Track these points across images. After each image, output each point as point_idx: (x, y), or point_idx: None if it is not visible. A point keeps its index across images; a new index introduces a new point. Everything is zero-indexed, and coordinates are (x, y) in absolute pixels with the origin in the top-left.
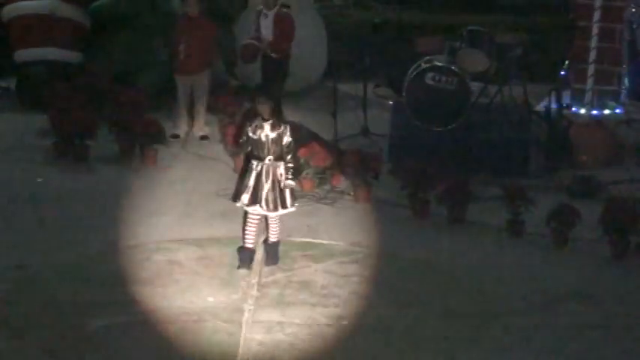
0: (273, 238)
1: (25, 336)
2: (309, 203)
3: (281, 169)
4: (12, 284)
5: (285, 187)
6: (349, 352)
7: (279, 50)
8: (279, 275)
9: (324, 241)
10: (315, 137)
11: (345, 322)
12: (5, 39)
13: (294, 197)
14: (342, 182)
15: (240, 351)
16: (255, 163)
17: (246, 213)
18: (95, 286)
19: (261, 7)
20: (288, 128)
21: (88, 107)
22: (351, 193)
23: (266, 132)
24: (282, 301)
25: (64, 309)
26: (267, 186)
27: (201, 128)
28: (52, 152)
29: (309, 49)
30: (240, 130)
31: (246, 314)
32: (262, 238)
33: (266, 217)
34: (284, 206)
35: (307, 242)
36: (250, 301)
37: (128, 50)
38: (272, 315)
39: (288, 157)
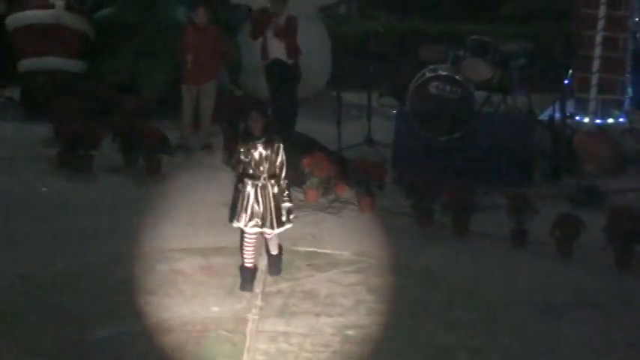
0: (274, 251)
1: (27, 346)
2: (313, 213)
3: (275, 187)
4: (14, 294)
5: (283, 209)
6: None
7: (289, 38)
8: (284, 285)
9: (329, 251)
10: (319, 146)
11: (349, 332)
12: (9, 48)
13: (290, 212)
14: (346, 192)
15: None
16: (249, 182)
17: (242, 232)
18: (98, 296)
19: None
20: (282, 146)
21: (91, 117)
22: (355, 203)
23: (259, 150)
24: (287, 310)
25: (67, 319)
26: (262, 205)
27: (205, 137)
28: (56, 162)
29: (314, 58)
30: (234, 149)
31: (250, 324)
32: (265, 248)
33: (263, 234)
34: (280, 224)
35: (311, 252)
36: (254, 311)
37: (132, 59)
38: (276, 325)
39: (282, 176)
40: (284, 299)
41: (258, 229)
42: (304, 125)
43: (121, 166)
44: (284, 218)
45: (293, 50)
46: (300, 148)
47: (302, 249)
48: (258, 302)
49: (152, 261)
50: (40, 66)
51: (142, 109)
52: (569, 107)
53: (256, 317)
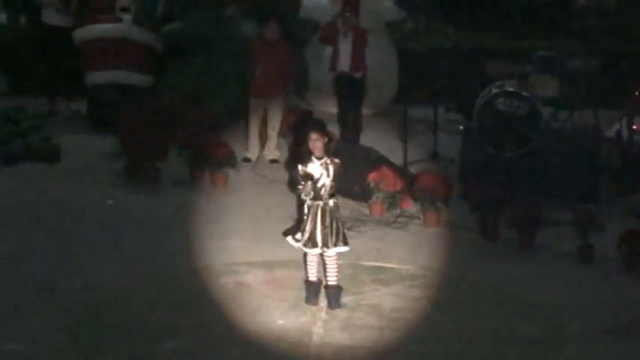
0: (331, 282)
1: (95, 359)
2: (378, 227)
3: (335, 206)
4: (81, 307)
5: (343, 228)
6: None
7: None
8: (348, 298)
9: (394, 265)
10: (385, 161)
11: (413, 346)
12: (77, 61)
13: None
14: (411, 206)
15: None
16: (311, 202)
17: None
18: (164, 309)
19: None
20: (338, 164)
21: (158, 130)
22: (421, 217)
23: (320, 170)
24: (351, 324)
25: (131, 332)
26: (324, 225)
27: (272, 152)
28: (123, 175)
29: (381, 73)
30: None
31: (314, 337)
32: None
33: (322, 256)
34: (338, 244)
35: (376, 266)
36: (319, 324)
37: (200, 73)
38: (341, 338)
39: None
40: (348, 313)
41: (319, 250)
42: (371, 140)
43: (188, 179)
44: (343, 239)
45: (360, 64)
46: (365, 162)
47: (367, 263)
48: (323, 315)
49: (217, 274)
50: (107, 79)
51: (209, 122)
52: (638, 123)
53: (321, 330)
